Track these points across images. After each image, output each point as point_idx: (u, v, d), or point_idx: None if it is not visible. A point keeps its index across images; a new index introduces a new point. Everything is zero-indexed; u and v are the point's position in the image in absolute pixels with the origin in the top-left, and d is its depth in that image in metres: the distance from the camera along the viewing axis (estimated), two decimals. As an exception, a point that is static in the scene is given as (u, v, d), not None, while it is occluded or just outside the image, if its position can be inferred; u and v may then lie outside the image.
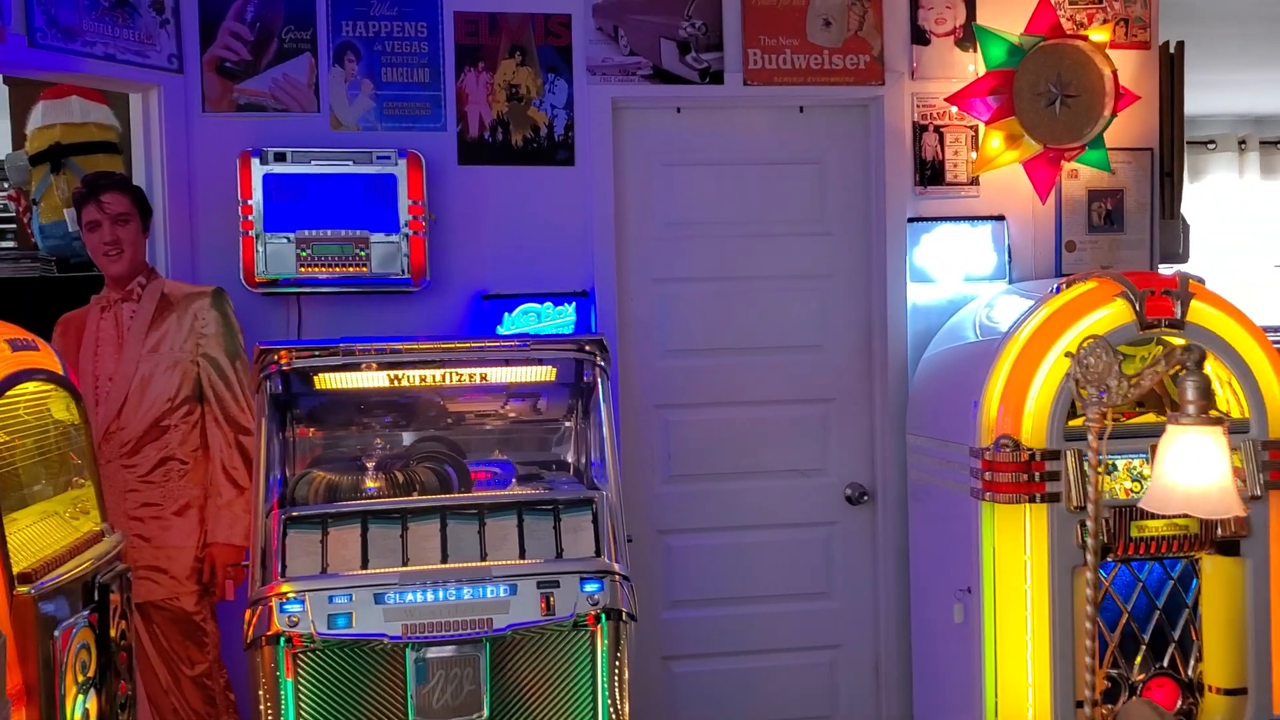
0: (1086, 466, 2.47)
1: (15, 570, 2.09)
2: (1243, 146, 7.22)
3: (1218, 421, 2.22)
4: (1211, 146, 7.24)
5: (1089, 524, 2.52)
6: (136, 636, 3.44)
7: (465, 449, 3.73)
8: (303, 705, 2.94)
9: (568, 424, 3.71)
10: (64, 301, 3.66)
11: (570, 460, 3.70)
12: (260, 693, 2.93)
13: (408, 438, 3.66)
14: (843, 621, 4.22)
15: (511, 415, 3.79)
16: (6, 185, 4.29)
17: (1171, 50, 4.52)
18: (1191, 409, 2.20)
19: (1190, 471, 2.21)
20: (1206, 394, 2.20)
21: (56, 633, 2.15)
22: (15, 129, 4.29)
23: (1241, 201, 7.25)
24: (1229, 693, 3.52)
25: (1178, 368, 2.19)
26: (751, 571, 4.17)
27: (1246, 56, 5.84)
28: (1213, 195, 7.25)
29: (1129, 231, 4.18)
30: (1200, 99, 6.79)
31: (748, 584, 4.17)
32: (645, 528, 4.09)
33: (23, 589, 2.09)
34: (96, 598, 2.34)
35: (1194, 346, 2.24)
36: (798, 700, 4.20)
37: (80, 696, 2.23)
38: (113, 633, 2.38)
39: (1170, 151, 4.49)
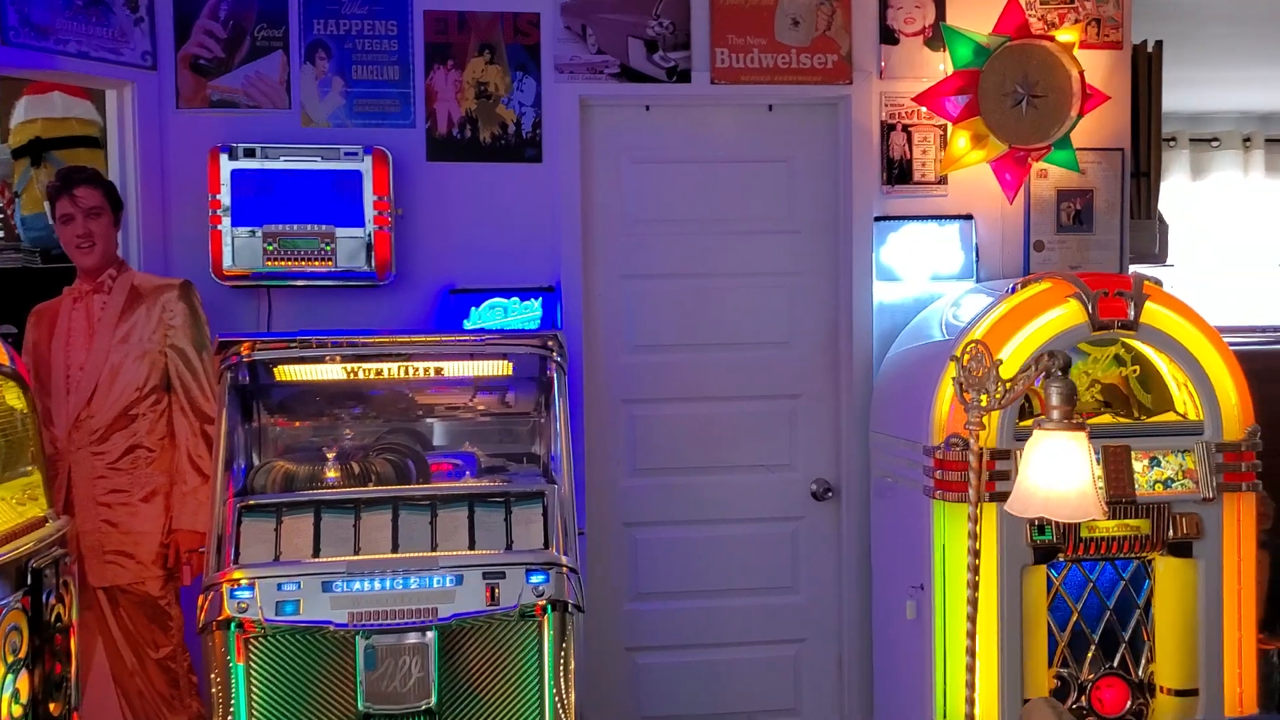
0: (972, 471, 2.49)
1: (-58, 554, 2.18)
2: (1247, 144, 7.15)
3: (1079, 427, 2.25)
4: (1215, 144, 7.19)
5: (970, 525, 2.54)
6: (103, 619, 3.56)
7: (436, 441, 3.80)
8: (254, 689, 3.02)
9: (537, 418, 3.77)
10: (47, 291, 3.74)
11: (539, 453, 3.76)
12: (212, 676, 3.02)
13: (377, 429, 3.74)
14: (807, 616, 4.26)
15: (481, 408, 3.86)
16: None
17: (1149, 50, 4.51)
18: (1055, 414, 2.23)
19: (1051, 475, 2.24)
20: (1070, 400, 2.23)
21: (-16, 614, 2.24)
22: (2, 123, 4.39)
23: (1245, 199, 7.19)
24: (1180, 693, 3.54)
25: (1045, 374, 2.22)
26: (717, 565, 4.21)
27: (1250, 53, 5.80)
28: (1216, 193, 7.20)
29: (1098, 232, 4.18)
30: (1203, 96, 6.77)
31: (713, 577, 4.21)
32: (611, 520, 4.14)
33: (-52, 572, 2.17)
34: (30, 581, 2.42)
35: (1058, 354, 2.27)
36: (762, 693, 4.25)
37: (9, 676, 2.32)
38: (47, 615, 2.46)
39: (1147, 151, 4.49)
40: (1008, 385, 2.31)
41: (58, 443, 3.52)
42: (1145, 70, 4.48)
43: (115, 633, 3.56)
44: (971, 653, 2.63)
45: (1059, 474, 2.23)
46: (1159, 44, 4.52)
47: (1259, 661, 3.81)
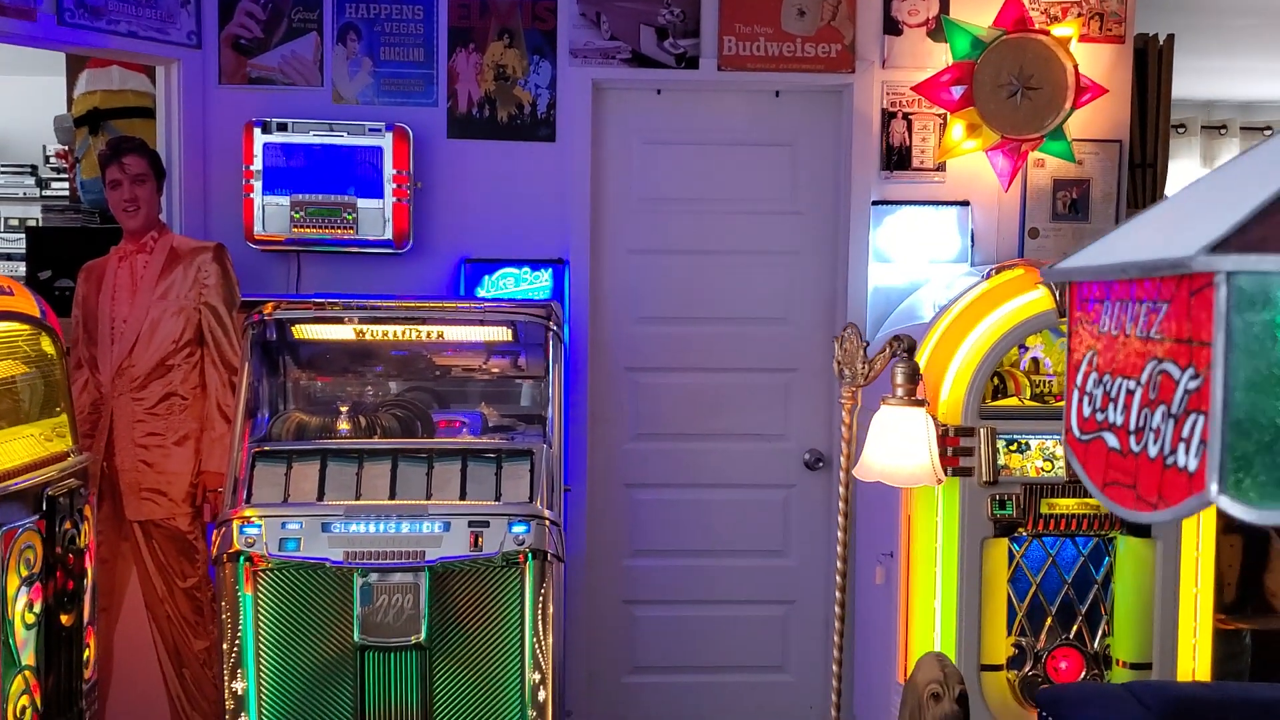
0: (842, 440, 2.67)
1: (-36, 479, 2.52)
2: (1300, 133, 7.12)
3: (920, 403, 2.43)
4: (1269, 133, 7.17)
5: (840, 489, 2.74)
6: (138, 551, 3.91)
7: (451, 401, 4.08)
8: (261, 617, 3.34)
9: (547, 382, 4.02)
10: (105, 249, 4.09)
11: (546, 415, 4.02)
12: (223, 603, 3.35)
13: (397, 387, 4.04)
14: (796, 579, 4.47)
15: (495, 371, 4.13)
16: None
17: (1160, 43, 4.60)
18: (900, 391, 2.43)
19: (893, 445, 2.43)
20: (914, 379, 2.42)
21: (0, 532, 2.57)
22: (67, 94, 4.76)
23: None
24: (1134, 666, 3.68)
25: (894, 355, 2.42)
26: (712, 527, 4.44)
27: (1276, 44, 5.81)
28: (1268, 182, 7.18)
29: (1094, 220, 4.30)
30: (1256, 85, 6.75)
31: (708, 538, 4.45)
32: (613, 481, 4.40)
33: (-31, 494, 2.51)
34: (45, 507, 2.75)
35: (904, 337, 2.46)
36: (751, 649, 4.48)
37: (23, 587, 2.65)
38: (60, 537, 2.79)
39: (1155, 142, 4.59)
40: (871, 364, 2.51)
41: (102, 388, 3.87)
42: (1155, 62, 4.57)
43: (148, 563, 3.91)
44: (839, 645, 2.82)
45: (900, 444, 2.43)
46: (1170, 37, 4.60)
47: (1225, 641, 3.95)
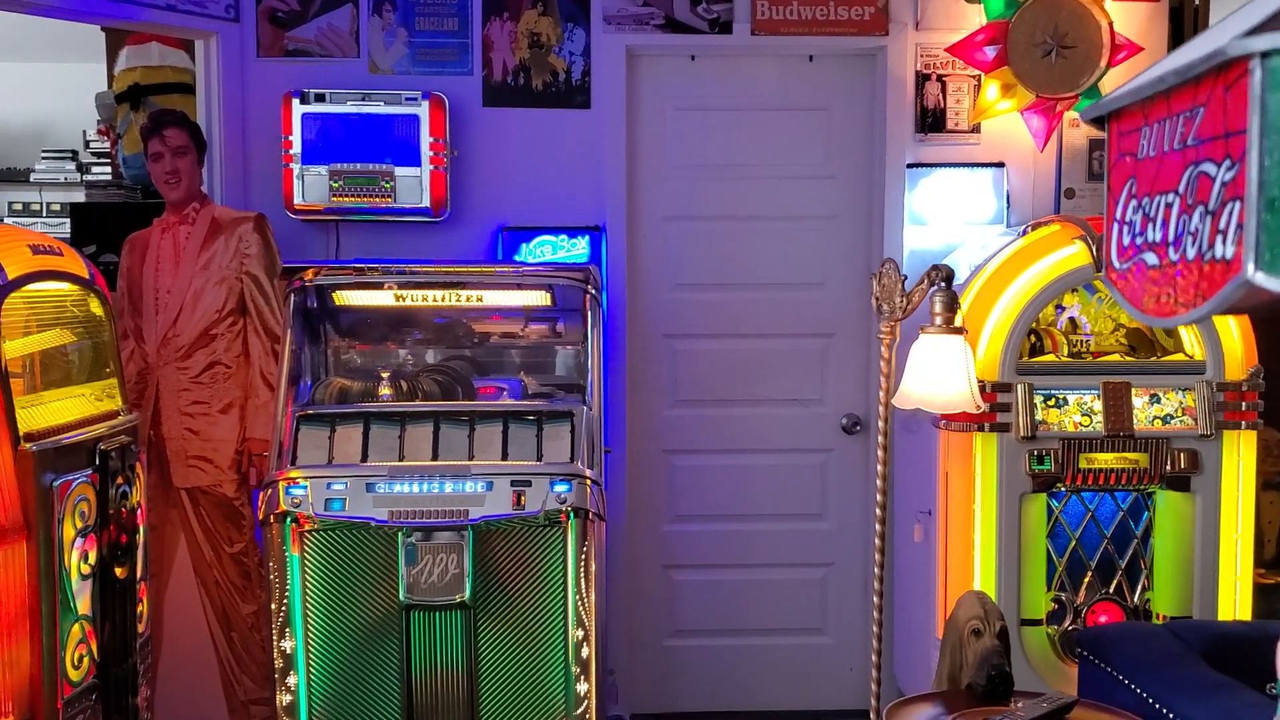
0: (882, 375, 2.67)
1: (21, 432, 2.58)
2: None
3: (959, 331, 2.44)
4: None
5: (879, 423, 2.75)
6: (185, 517, 3.98)
7: (491, 369, 4.12)
8: (308, 576, 3.38)
9: (584, 349, 4.05)
10: (147, 223, 4.16)
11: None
12: (271, 564, 3.40)
13: (437, 355, 4.08)
14: (835, 542, 4.49)
15: (533, 337, 4.16)
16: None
17: (1196, 1, 4.57)
18: (939, 319, 2.44)
19: (933, 371, 2.44)
20: (952, 307, 2.43)
21: (55, 484, 2.63)
22: (108, 71, 4.84)
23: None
24: (1175, 619, 3.68)
25: (934, 284, 2.43)
26: (751, 492, 4.47)
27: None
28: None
29: (1130, 180, 4.28)
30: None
31: (747, 503, 4.47)
32: (652, 447, 4.43)
33: (26, 446, 2.57)
34: (98, 462, 2.81)
35: (943, 266, 2.47)
36: (790, 612, 4.50)
37: (78, 538, 2.71)
38: (112, 491, 2.84)
39: (1191, 103, 4.56)
40: (909, 296, 2.52)
41: (148, 358, 3.93)
42: (1191, 21, 4.54)
43: (196, 529, 3.97)
44: (880, 553, 2.83)
45: (939, 372, 2.44)
46: (1206, -3, 4.58)
47: (1265, 596, 3.94)
